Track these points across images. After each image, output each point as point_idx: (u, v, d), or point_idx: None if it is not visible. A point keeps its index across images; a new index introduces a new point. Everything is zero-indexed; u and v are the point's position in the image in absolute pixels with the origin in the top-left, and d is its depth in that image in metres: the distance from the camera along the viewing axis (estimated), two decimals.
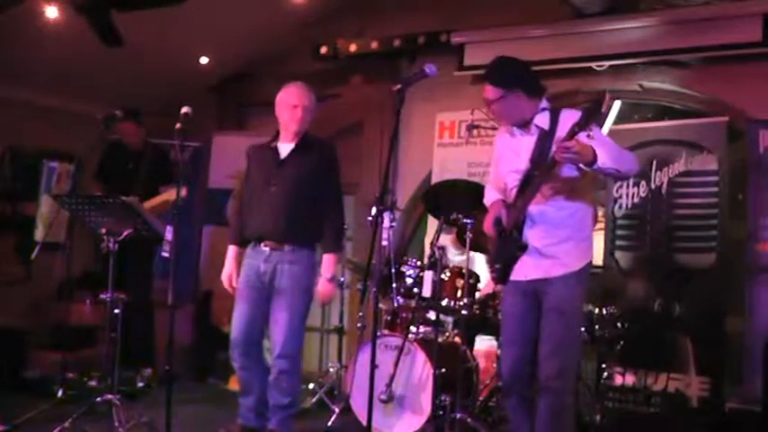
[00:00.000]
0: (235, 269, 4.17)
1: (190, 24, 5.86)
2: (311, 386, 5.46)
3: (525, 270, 3.49)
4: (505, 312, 3.65)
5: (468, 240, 4.47)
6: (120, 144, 5.78)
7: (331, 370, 5.65)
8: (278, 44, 6.68)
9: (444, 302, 4.72)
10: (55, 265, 6.14)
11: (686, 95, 5.54)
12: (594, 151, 3.21)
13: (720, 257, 4.97)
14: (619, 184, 5.30)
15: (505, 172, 3.63)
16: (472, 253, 4.68)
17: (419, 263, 4.88)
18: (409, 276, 4.83)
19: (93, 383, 5.21)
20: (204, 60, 6.74)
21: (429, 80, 3.46)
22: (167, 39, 6.02)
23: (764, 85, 5.12)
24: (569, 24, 5.73)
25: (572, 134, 3.14)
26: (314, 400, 5.31)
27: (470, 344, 4.96)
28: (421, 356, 4.44)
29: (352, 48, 6.55)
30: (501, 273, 3.54)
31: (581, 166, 3.31)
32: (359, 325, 5.11)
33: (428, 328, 4.73)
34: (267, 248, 4.06)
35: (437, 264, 4.48)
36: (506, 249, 3.51)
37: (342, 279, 5.47)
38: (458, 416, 4.28)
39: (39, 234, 6.45)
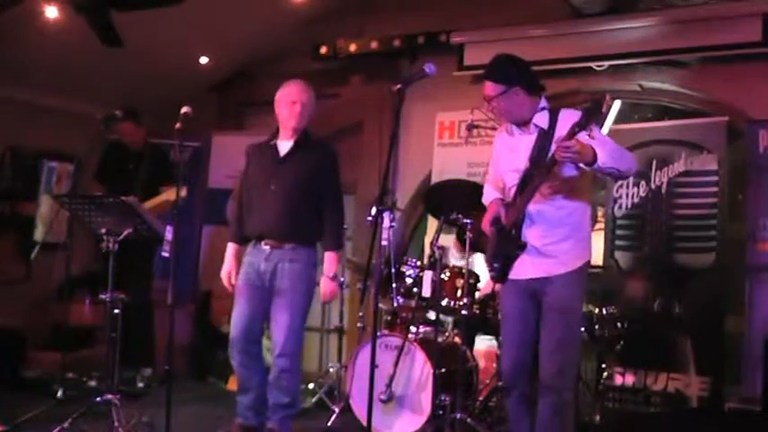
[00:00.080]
0: (234, 266, 4.16)
1: (190, 24, 5.86)
2: (311, 386, 5.46)
3: (524, 269, 3.49)
4: (505, 312, 3.65)
5: (468, 240, 4.47)
6: (119, 144, 5.77)
7: (331, 370, 5.64)
8: (278, 44, 6.68)
9: (444, 302, 4.71)
10: (55, 265, 6.15)
11: (686, 95, 5.55)
12: (595, 151, 3.21)
13: (720, 257, 4.97)
14: (619, 184, 5.31)
15: (504, 171, 3.64)
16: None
17: (419, 263, 4.87)
18: (409, 276, 4.82)
19: (92, 383, 5.22)
20: (204, 60, 6.73)
21: (429, 80, 3.46)
22: (167, 39, 6.02)
23: (764, 85, 5.13)
24: (569, 24, 5.73)
25: (572, 134, 3.14)
26: (314, 399, 5.32)
27: (470, 344, 4.96)
28: (421, 356, 4.44)
29: (352, 47, 6.56)
30: (500, 271, 3.53)
31: (581, 165, 3.32)
32: (359, 325, 5.12)
33: (428, 328, 4.72)
34: (268, 247, 4.05)
35: (437, 264, 4.48)
36: (505, 248, 3.51)
37: (342, 279, 5.46)
38: (458, 416, 4.27)
39: (39, 234, 6.45)
